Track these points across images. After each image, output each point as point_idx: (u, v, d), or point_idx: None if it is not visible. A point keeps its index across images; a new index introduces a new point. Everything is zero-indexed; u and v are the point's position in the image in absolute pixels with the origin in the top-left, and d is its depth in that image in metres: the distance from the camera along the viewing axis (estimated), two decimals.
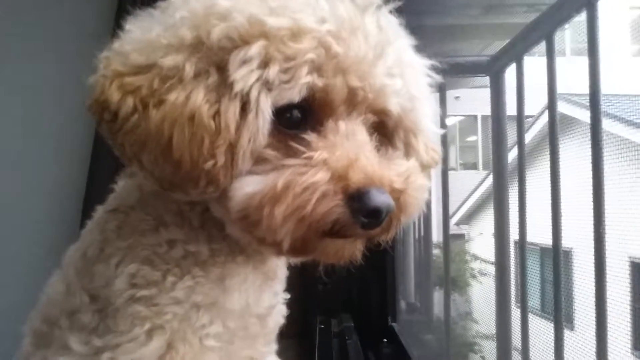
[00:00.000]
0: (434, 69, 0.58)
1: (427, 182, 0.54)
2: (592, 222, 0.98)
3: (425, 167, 0.57)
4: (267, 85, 0.45)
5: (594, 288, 1.02)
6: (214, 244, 0.54)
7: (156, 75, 0.45)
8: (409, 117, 0.54)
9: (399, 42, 0.53)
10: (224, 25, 0.46)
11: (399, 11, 0.55)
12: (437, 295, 2.41)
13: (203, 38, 0.46)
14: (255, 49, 0.45)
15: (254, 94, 0.45)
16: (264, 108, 0.45)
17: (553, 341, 1.21)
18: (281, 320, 0.63)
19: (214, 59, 0.46)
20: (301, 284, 0.72)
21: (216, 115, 0.45)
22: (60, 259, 0.60)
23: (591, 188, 0.96)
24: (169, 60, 0.45)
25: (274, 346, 0.66)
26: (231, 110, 0.45)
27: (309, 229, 0.46)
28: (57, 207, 1.55)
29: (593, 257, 1.01)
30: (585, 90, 0.95)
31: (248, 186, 0.47)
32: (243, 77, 0.45)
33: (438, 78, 0.58)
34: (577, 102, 1.60)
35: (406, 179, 0.50)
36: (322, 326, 1.44)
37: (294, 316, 0.69)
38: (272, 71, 0.45)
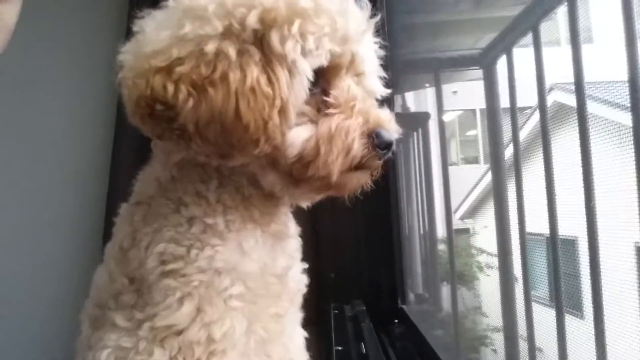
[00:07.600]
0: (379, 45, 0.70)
1: None
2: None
3: None
4: (305, 54, 0.56)
5: (597, 276, 1.03)
6: (228, 216, 0.64)
7: (201, 62, 0.53)
8: (370, 79, 0.68)
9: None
10: (256, 11, 0.55)
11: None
12: (445, 291, 2.40)
13: (235, 24, 0.55)
14: (296, 26, 0.56)
15: (298, 62, 0.56)
16: (307, 72, 0.57)
17: (556, 328, 1.22)
18: (303, 288, 0.73)
19: (250, 40, 0.55)
20: (314, 273, 0.75)
21: (269, 83, 0.54)
22: (89, 253, 0.69)
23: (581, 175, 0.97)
24: (210, 47, 0.53)
25: (300, 315, 0.74)
26: (283, 77, 0.55)
27: (350, 162, 0.59)
28: (81, 204, 1.59)
29: (595, 245, 1.01)
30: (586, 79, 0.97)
31: (303, 133, 0.58)
32: (292, 48, 0.55)
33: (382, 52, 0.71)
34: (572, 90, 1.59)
35: (391, 121, 0.64)
36: (337, 312, 1.46)
37: (310, 304, 0.76)
38: (309, 42, 0.56)
